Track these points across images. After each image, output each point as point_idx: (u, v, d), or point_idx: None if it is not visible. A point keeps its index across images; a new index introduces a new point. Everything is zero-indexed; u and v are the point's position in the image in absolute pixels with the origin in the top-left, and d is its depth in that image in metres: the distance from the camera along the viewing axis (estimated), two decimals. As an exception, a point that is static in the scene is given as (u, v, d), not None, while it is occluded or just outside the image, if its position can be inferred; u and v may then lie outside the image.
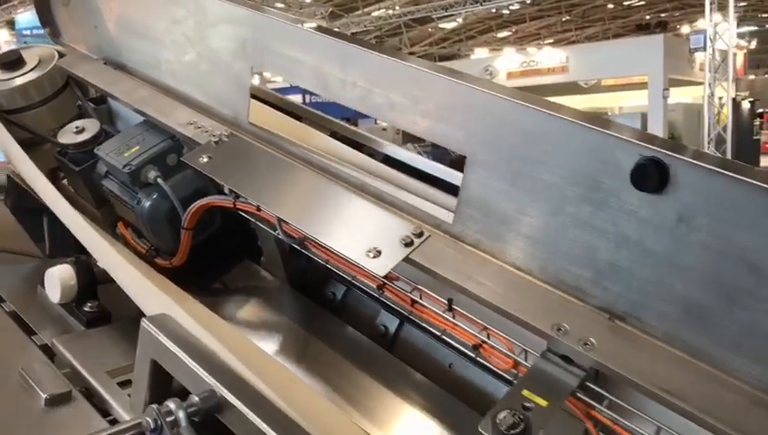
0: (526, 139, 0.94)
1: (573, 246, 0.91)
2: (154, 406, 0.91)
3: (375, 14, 22.99)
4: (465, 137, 1.00)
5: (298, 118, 1.53)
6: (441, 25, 27.92)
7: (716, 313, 0.81)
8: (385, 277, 1.05)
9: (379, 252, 1.00)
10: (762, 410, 0.76)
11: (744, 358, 0.79)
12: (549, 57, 19.14)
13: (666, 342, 0.85)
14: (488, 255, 0.99)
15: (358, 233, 1.05)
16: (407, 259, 1.00)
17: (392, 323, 1.33)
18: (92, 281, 1.39)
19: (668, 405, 0.79)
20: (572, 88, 18.78)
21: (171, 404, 0.92)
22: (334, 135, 1.49)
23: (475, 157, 1.00)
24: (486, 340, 0.96)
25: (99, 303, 1.39)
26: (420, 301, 1.04)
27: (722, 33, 14.29)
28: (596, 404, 0.85)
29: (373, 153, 1.46)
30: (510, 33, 30.85)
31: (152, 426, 0.90)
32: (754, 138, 19.32)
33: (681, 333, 0.84)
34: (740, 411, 0.76)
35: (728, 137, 14.36)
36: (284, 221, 1.13)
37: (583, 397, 0.85)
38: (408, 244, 1.00)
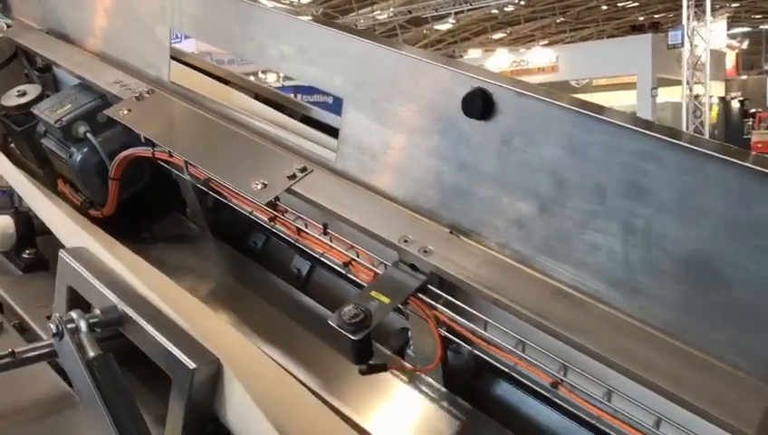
0: (387, 79, 1.06)
1: (425, 173, 1.04)
2: (57, 314, 1.03)
3: (371, 15, 23.17)
4: (341, 81, 1.13)
5: (227, 82, 1.66)
6: (436, 27, 28.11)
7: (533, 221, 0.93)
8: (274, 209, 1.17)
9: (265, 184, 1.13)
10: (560, 298, 0.88)
11: (553, 258, 0.91)
12: (539, 57, 19.33)
13: (497, 251, 0.97)
14: (362, 186, 1.12)
15: (249, 169, 1.17)
16: (288, 190, 1.12)
17: (304, 267, 1.45)
18: (31, 231, 1.51)
19: (489, 298, 0.92)
20: (564, 88, 18.95)
21: (74, 314, 1.04)
22: (257, 97, 1.62)
23: (350, 99, 1.12)
24: (355, 258, 1.08)
25: (37, 251, 1.51)
26: (305, 229, 1.16)
27: (704, 30, 14.48)
28: (436, 304, 0.97)
29: (293, 113, 1.59)
30: (504, 34, 31.05)
31: (54, 330, 1.02)
32: (744, 137, 19.50)
33: (509, 242, 0.96)
34: (544, 300, 0.89)
35: (705, 133, 14.54)
36: (191, 163, 1.26)
37: (426, 299, 0.98)
38: (291, 177, 1.13)
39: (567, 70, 18.50)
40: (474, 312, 0.97)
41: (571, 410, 0.94)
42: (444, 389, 1.15)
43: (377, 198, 1.09)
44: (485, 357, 0.98)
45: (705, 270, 0.79)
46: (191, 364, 0.96)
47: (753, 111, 20.95)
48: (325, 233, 1.11)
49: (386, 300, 0.95)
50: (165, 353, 1.00)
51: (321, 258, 1.12)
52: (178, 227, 1.60)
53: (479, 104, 0.93)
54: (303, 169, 1.14)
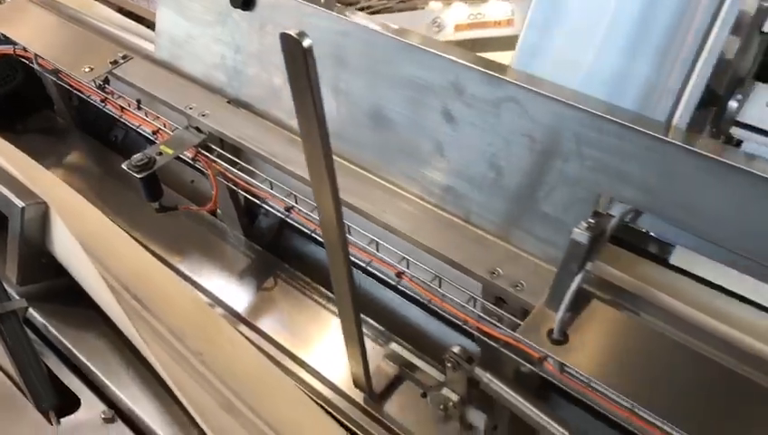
0: (185, -21, 1.31)
1: (214, 58, 1.30)
2: None
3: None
4: (154, -16, 1.37)
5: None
6: (399, -22, 27.89)
7: (283, 91, 1.20)
8: (103, 91, 1.42)
9: (92, 69, 1.38)
10: (294, 145, 1.17)
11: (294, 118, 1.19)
12: (495, 10, 19.44)
13: (262, 116, 1.25)
14: (171, 70, 1.38)
15: (81, 57, 1.42)
16: (110, 73, 1.37)
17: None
18: None
19: (251, 151, 1.19)
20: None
21: None
22: (120, 10, 1.84)
23: (162, -3, 1.37)
24: (162, 127, 1.34)
25: None
26: (128, 108, 1.41)
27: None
28: (211, 156, 1.25)
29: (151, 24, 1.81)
30: (468, -13, 30.96)
31: None
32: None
33: (269, 109, 1.24)
34: (284, 148, 1.17)
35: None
36: (39, 56, 1.49)
37: (206, 154, 1.25)
38: (113, 63, 1.38)
39: (521, 23, 18.61)
40: (245, 165, 1.24)
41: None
42: (243, 237, 1.44)
43: (180, 79, 1.35)
44: (249, 196, 1.26)
45: (382, 118, 1.08)
46: (20, 203, 1.21)
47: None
48: (139, 108, 1.36)
49: (169, 151, 1.22)
50: (1, 198, 1.26)
51: (138, 130, 1.38)
52: (47, 121, 1.83)
53: (242, -3, 1.19)
54: (125, 57, 1.39)
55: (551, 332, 0.85)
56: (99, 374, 1.16)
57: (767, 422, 0.74)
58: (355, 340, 1.01)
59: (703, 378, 0.79)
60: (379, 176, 1.12)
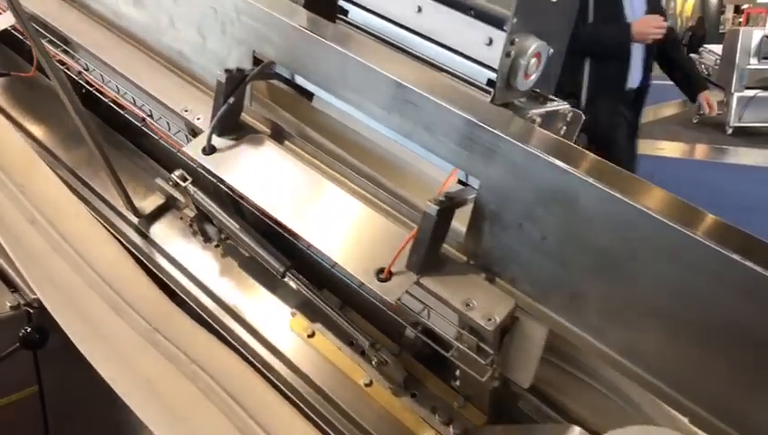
0: None
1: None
2: None
3: None
4: None
5: None
6: None
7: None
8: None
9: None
10: (125, 46, 1.49)
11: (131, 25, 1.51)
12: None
13: (96, 18, 1.56)
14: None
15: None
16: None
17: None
18: None
19: (56, 28, 1.52)
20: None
21: None
22: None
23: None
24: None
25: None
26: None
27: None
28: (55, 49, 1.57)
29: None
30: None
31: None
32: (720, 31, 19.50)
33: (105, 12, 1.56)
34: (80, 23, 1.49)
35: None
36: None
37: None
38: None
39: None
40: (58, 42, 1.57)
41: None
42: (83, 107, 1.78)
43: None
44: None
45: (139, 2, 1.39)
46: None
47: (744, 6, 20.44)
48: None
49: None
50: None
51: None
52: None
53: None
54: (-9, 5, 1.72)
55: (205, 148, 1.18)
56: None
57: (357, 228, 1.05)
58: (108, 172, 1.36)
59: (321, 197, 1.11)
60: (147, 47, 1.44)
